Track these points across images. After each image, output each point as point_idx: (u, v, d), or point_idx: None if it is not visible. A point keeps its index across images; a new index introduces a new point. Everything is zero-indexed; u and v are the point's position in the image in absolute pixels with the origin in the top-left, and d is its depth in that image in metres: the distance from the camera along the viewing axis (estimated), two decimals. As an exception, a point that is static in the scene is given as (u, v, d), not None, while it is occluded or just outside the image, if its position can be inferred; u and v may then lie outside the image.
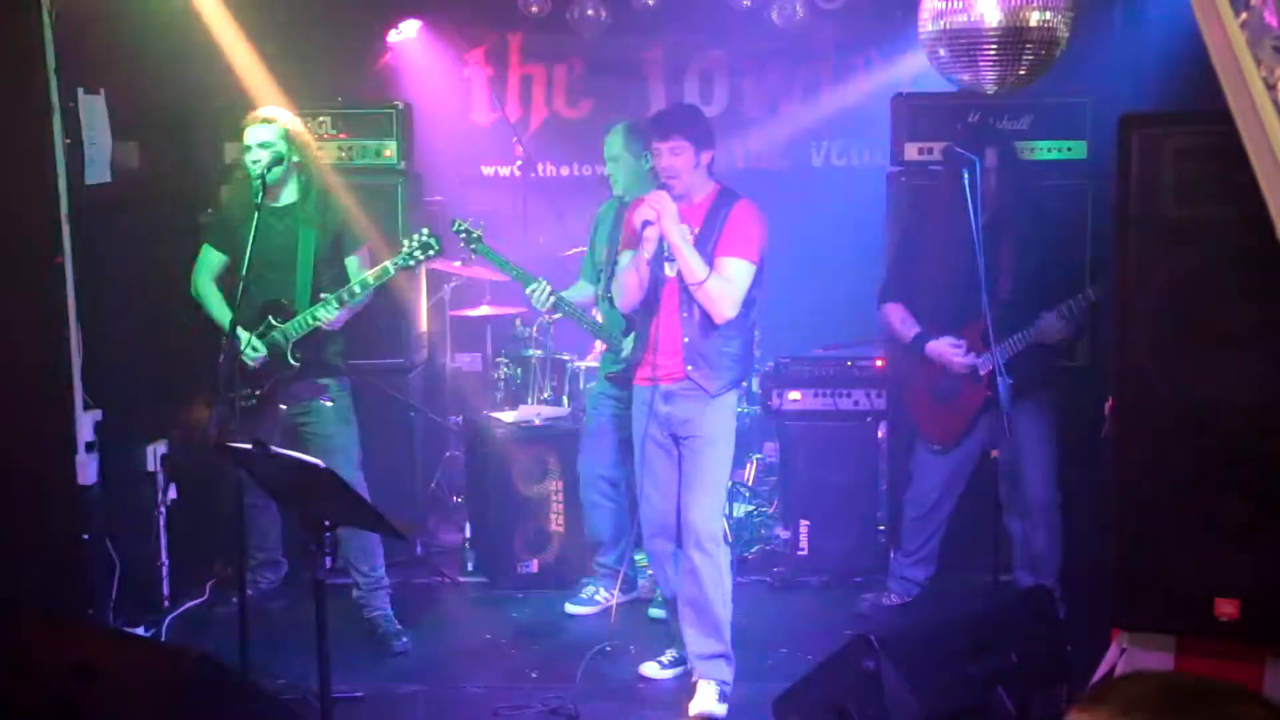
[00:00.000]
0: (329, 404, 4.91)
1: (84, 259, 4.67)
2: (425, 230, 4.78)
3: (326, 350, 4.90)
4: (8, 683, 3.47)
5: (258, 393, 4.79)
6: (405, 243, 4.77)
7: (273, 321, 4.77)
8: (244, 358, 4.71)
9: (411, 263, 4.76)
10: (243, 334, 4.70)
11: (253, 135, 4.73)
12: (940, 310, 5.03)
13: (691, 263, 4.22)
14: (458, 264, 6.21)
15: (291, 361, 4.78)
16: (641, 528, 4.57)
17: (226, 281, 4.93)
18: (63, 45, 4.54)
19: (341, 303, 4.74)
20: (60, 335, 4.60)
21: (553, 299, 5.05)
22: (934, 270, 5.02)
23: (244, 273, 4.45)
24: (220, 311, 4.91)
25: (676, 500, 4.43)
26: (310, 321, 4.75)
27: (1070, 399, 5.28)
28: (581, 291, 5.41)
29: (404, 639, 4.98)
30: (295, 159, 4.80)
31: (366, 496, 4.81)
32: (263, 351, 4.75)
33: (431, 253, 4.76)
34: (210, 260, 4.98)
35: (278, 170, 4.71)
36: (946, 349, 4.98)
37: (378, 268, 4.77)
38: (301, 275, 4.81)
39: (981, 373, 4.90)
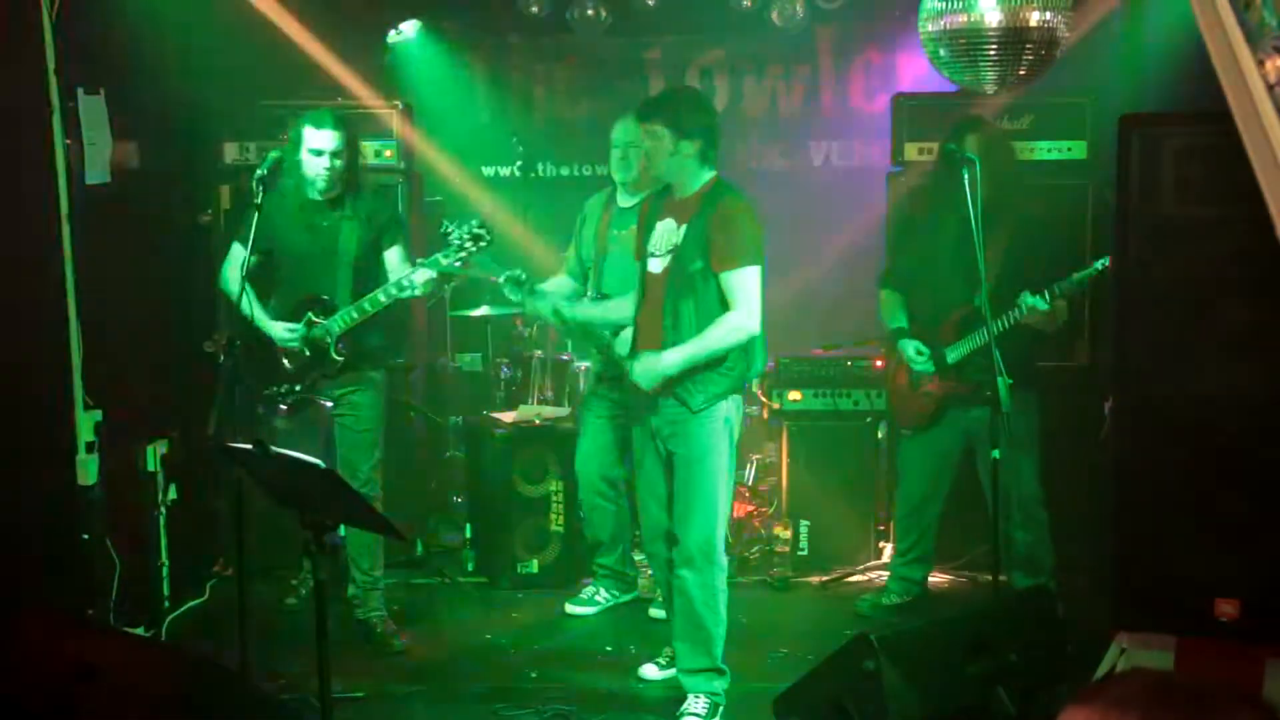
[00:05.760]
0: (370, 396, 4.87)
1: (84, 259, 4.66)
2: (476, 220, 4.62)
3: (368, 343, 4.83)
4: (8, 683, 3.47)
5: (297, 388, 4.78)
6: (454, 231, 4.58)
7: (313, 317, 4.75)
8: (285, 344, 4.72)
9: (464, 254, 4.58)
10: (275, 326, 4.70)
11: (317, 139, 4.62)
12: (928, 301, 5.10)
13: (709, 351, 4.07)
14: (458, 264, 6.18)
15: (335, 357, 4.75)
16: (641, 530, 4.55)
17: (259, 278, 4.79)
18: (63, 45, 4.53)
19: (389, 296, 4.65)
20: (60, 335, 4.60)
21: (524, 285, 4.94)
22: (924, 263, 5.08)
23: (279, 269, 4.33)
24: (250, 307, 4.66)
25: (671, 507, 4.36)
26: (355, 316, 4.68)
27: (1070, 399, 5.25)
28: (560, 286, 5.29)
29: (403, 639, 4.97)
30: (349, 158, 4.72)
31: (380, 488, 4.84)
32: (298, 338, 4.74)
33: (484, 244, 4.58)
34: (241, 257, 4.67)
35: (339, 169, 4.64)
36: (911, 352, 5.08)
37: (428, 262, 4.62)
38: (343, 272, 4.75)
39: (927, 381, 5.07)
